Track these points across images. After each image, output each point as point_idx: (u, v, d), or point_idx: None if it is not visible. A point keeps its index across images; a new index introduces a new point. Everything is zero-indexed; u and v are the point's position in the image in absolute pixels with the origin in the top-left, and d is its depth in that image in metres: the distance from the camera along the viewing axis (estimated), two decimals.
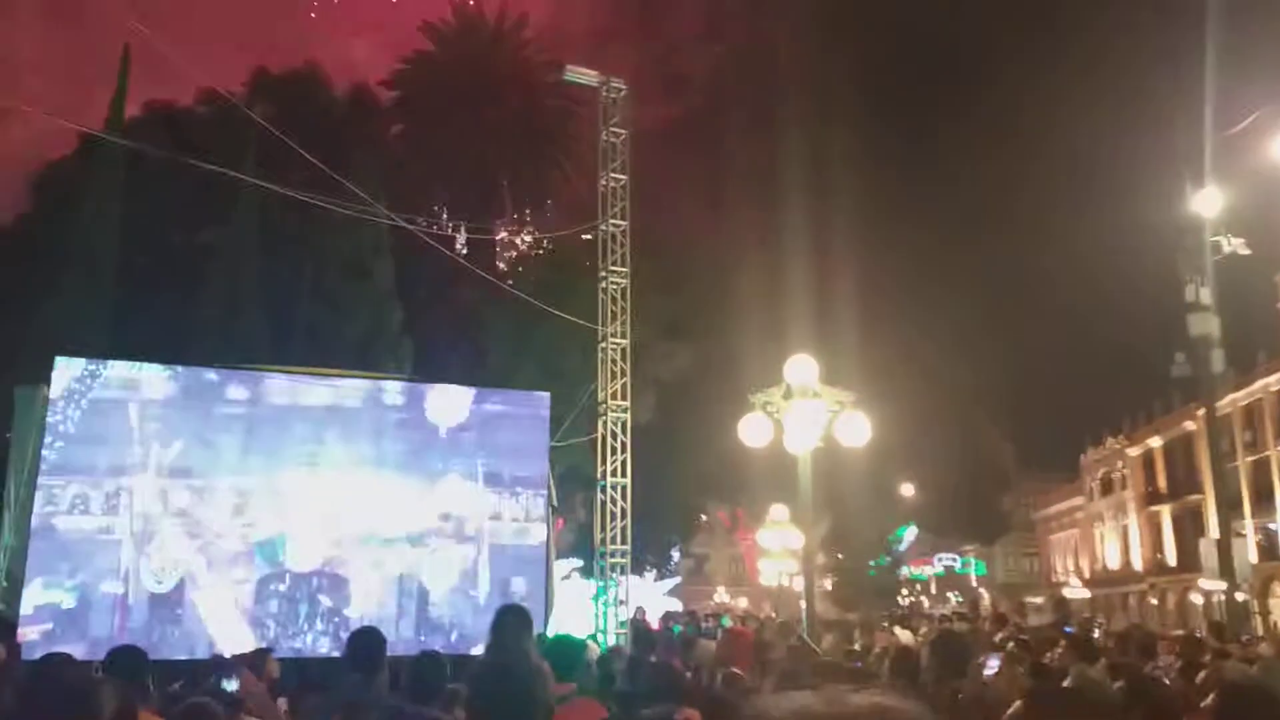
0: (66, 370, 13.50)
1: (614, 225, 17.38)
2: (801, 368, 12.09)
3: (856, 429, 11.98)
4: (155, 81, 24.17)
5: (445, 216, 23.88)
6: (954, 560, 64.37)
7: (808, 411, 11.76)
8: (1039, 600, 51.77)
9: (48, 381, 13.40)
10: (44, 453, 13.18)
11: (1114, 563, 54.33)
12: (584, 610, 17.99)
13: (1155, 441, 49.41)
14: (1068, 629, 16.27)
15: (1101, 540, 56.14)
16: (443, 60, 28.63)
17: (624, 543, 16.56)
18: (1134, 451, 51.69)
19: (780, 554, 31.84)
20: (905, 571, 62.79)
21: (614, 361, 17.00)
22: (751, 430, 12.15)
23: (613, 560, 16.58)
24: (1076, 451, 57.79)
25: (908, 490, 50.56)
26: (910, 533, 60.48)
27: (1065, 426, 55.52)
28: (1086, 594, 54.31)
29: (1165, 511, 48.54)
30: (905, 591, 60.57)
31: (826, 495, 24.21)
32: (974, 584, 63.10)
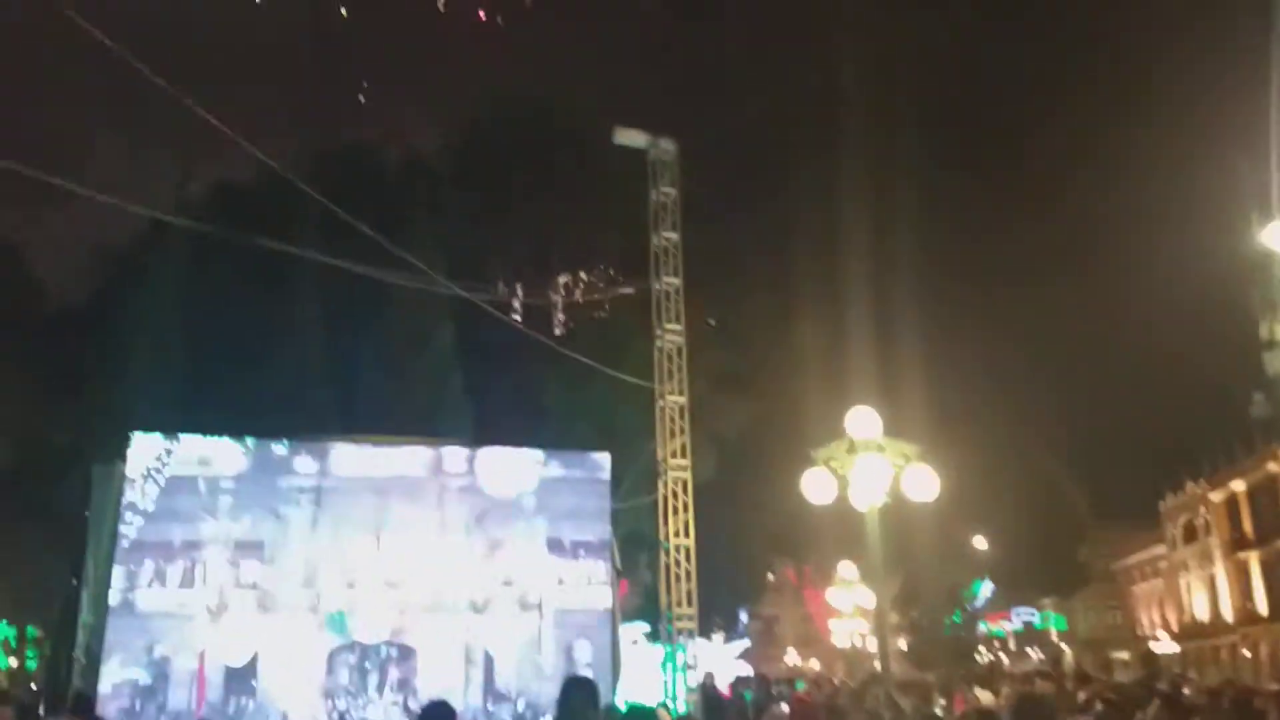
0: (142, 446, 13.90)
1: (667, 283, 17.44)
2: (864, 421, 11.85)
3: (924, 483, 11.64)
4: (218, 158, 25.20)
5: (500, 281, 24.28)
6: (1033, 615, 62.11)
7: (872, 466, 11.51)
8: (1125, 655, 49.58)
9: (123, 458, 13.80)
10: (121, 529, 13.52)
11: (1202, 613, 51.94)
12: (652, 676, 17.68)
13: (1239, 485, 47.45)
14: (1158, 685, 15.51)
15: (1188, 590, 53.78)
16: (493, 126, 29.43)
17: (690, 605, 16.28)
18: (1216, 496, 49.69)
19: (851, 613, 31.04)
20: (982, 628, 60.74)
21: (672, 420, 16.92)
22: (814, 487, 11.89)
23: (680, 624, 16.30)
24: (1155, 498, 55.75)
25: (980, 543, 49.05)
26: (985, 587, 58.57)
27: (1142, 472, 53.54)
28: (1175, 647, 51.91)
29: (1254, 558, 46.41)
30: (983, 649, 58.54)
31: (896, 551, 23.63)
32: (1055, 640, 60.77)
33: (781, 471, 19.31)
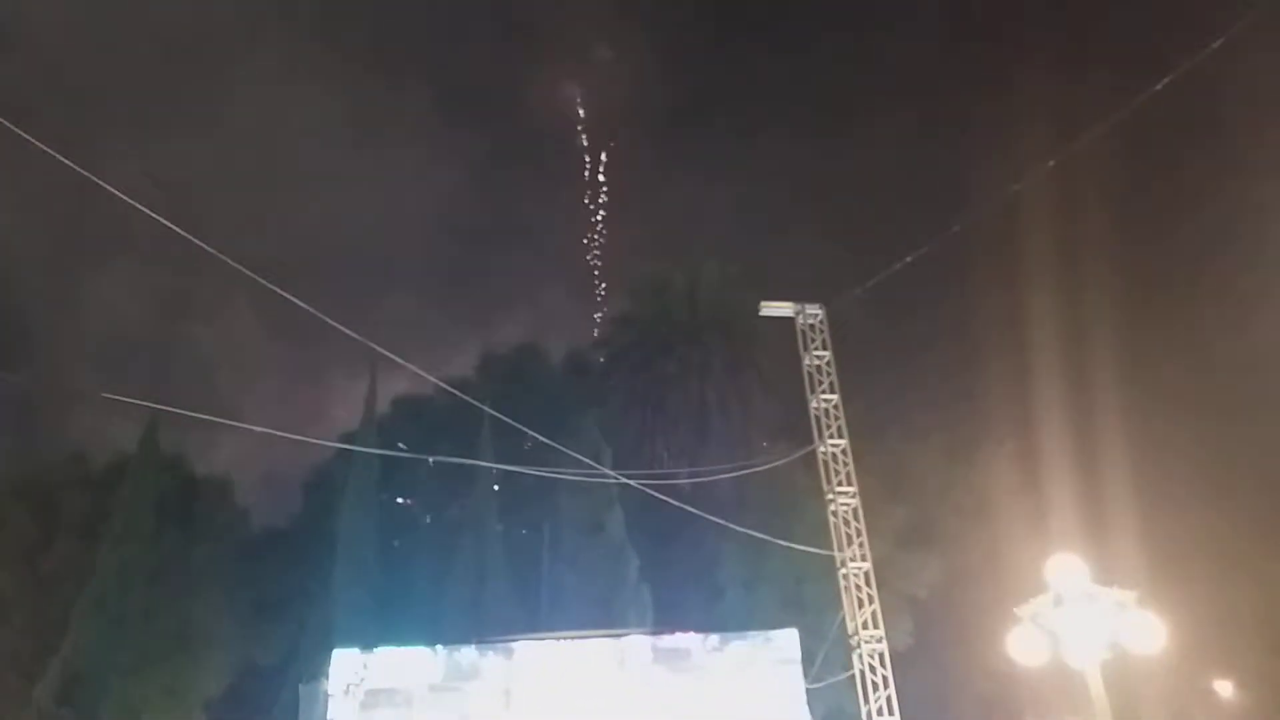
0: (342, 663, 14.42)
1: (832, 445, 17.06)
2: (1067, 569, 11.00)
3: (1147, 632, 10.58)
4: (400, 377, 27.27)
5: (666, 459, 24.51)
6: None
7: (1084, 619, 10.58)
8: None
9: (326, 675, 14.34)
10: None
11: None
12: None
13: None
14: None
15: None
16: (644, 314, 30.50)
17: None
18: None
19: None
20: None
21: (858, 587, 16.15)
22: (1023, 648, 11.01)
23: None
24: None
25: (1224, 689, 43.50)
26: None
27: None
28: None
29: None
30: None
31: (1128, 705, 21.25)
32: None
33: (986, 626, 17.98)
